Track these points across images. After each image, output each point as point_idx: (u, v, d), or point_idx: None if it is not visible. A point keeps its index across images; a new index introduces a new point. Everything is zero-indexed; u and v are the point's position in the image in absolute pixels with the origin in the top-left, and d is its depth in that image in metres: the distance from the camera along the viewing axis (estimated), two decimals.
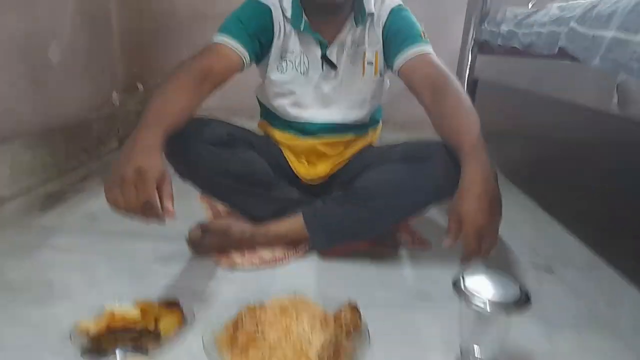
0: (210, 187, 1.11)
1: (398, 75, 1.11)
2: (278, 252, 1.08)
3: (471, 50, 1.62)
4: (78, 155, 1.69)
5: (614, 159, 1.44)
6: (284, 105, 1.17)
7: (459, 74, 1.66)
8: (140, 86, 1.97)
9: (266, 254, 1.07)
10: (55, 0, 1.55)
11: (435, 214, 1.39)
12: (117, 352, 0.62)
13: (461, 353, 0.70)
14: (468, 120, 0.95)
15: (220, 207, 1.31)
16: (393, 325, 0.83)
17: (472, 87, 1.64)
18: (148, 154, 0.77)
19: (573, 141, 1.67)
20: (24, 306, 0.82)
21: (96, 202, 1.35)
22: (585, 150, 1.62)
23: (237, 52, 1.04)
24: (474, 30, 1.62)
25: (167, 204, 0.75)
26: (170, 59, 1.90)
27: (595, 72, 0.88)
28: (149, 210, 0.73)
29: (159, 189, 0.75)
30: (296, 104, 1.16)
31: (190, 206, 1.33)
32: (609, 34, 0.87)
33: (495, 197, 0.87)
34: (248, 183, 1.09)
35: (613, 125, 1.31)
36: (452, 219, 0.87)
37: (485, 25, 1.56)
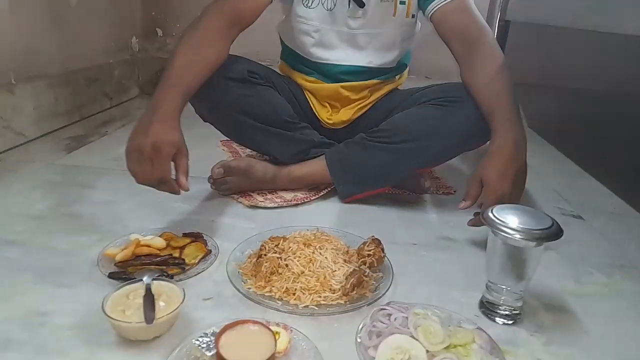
0: (231, 126, 1.09)
1: (430, 19, 1.04)
2: (299, 194, 1.07)
3: None
4: (100, 100, 1.69)
5: None
6: (307, 42, 1.12)
7: (490, 16, 1.57)
8: (159, 31, 1.93)
9: (287, 195, 1.07)
10: None
11: (460, 162, 1.36)
12: (144, 276, 0.62)
13: (487, 289, 0.69)
14: (502, 82, 0.91)
15: (242, 152, 1.31)
16: (415, 263, 0.82)
17: (504, 30, 1.56)
18: (166, 126, 0.79)
19: (603, 92, 1.60)
20: (52, 235, 0.84)
21: (120, 147, 1.34)
22: (615, 101, 1.54)
23: None
24: None
25: (182, 178, 0.80)
26: (190, 4, 1.86)
27: None
28: (162, 185, 0.79)
29: (175, 162, 0.80)
30: (320, 44, 1.11)
31: (211, 151, 1.32)
32: None
33: (522, 167, 0.85)
34: (269, 122, 1.07)
35: None
36: (474, 182, 0.86)
37: None
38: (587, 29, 1.06)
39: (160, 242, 0.77)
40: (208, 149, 1.33)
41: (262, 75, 1.10)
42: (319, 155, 1.09)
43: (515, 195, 0.84)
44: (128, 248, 0.74)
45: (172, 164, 0.80)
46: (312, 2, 1.08)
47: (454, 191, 1.16)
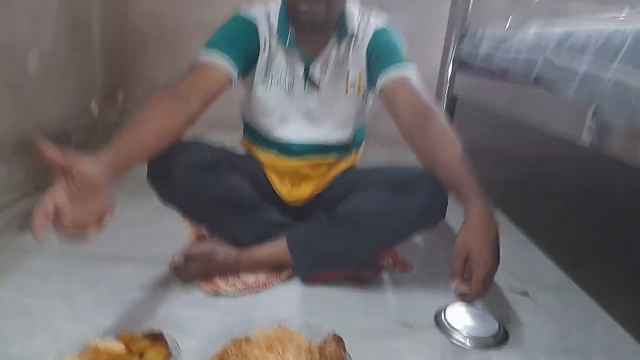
0: (192, 211, 1.11)
1: (379, 95, 1.11)
2: (262, 277, 1.09)
3: (450, 68, 1.65)
4: None
5: (589, 182, 1.48)
6: (267, 122, 1.17)
7: (439, 91, 1.69)
8: (120, 96, 1.93)
9: (250, 278, 1.08)
10: (37, 6, 1.51)
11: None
12: None
13: None
14: (459, 156, 0.95)
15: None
16: (376, 354, 0.85)
17: (452, 104, 1.67)
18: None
19: (550, 162, 1.72)
20: (3, 342, 0.81)
21: None
22: (561, 172, 1.66)
23: (224, 69, 1.02)
24: (453, 47, 1.65)
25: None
26: (152, 69, 1.89)
27: (569, 104, 0.90)
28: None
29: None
30: (279, 121, 1.16)
31: (171, 226, 1.32)
32: (583, 66, 0.89)
33: (497, 238, 0.88)
34: (231, 207, 1.09)
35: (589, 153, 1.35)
36: (459, 257, 0.85)
37: (465, 44, 1.59)
38: (519, 120, 1.16)
39: (119, 348, 0.76)
40: (168, 226, 1.32)
41: (224, 160, 1.12)
42: (280, 236, 1.12)
43: (497, 265, 0.87)
44: (86, 356, 0.73)
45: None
46: (270, 84, 1.14)
47: (411, 267, 1.20)
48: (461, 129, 1.71)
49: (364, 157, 1.33)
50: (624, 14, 1.75)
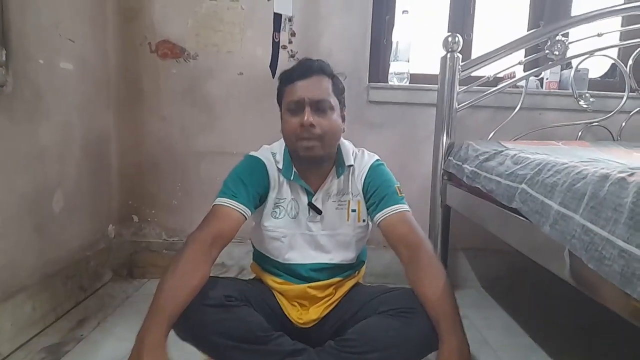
0: (207, 347, 1.16)
1: (377, 226, 1.25)
2: None
3: (440, 182, 1.78)
4: (75, 295, 1.73)
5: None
6: (275, 247, 1.28)
7: (433, 201, 1.81)
8: (135, 217, 2.06)
9: None
10: (64, 152, 1.66)
11: None
12: None
13: None
14: (442, 291, 1.06)
15: None
16: None
17: (446, 213, 1.78)
18: (152, 358, 0.90)
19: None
20: None
21: (96, 355, 1.39)
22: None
23: (239, 210, 1.18)
24: (441, 160, 1.79)
25: None
26: (164, 190, 2.03)
27: (549, 238, 0.94)
28: None
29: None
30: (287, 246, 1.28)
31: (187, 352, 1.36)
32: (554, 205, 0.96)
33: None
34: (244, 340, 1.15)
35: None
36: None
37: (452, 158, 1.73)
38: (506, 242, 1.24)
39: None
40: (184, 351, 1.37)
41: (238, 295, 1.20)
42: None
43: None
44: None
45: None
46: (279, 214, 1.27)
47: None
48: (459, 228, 1.82)
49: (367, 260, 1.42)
50: (596, 121, 1.94)
